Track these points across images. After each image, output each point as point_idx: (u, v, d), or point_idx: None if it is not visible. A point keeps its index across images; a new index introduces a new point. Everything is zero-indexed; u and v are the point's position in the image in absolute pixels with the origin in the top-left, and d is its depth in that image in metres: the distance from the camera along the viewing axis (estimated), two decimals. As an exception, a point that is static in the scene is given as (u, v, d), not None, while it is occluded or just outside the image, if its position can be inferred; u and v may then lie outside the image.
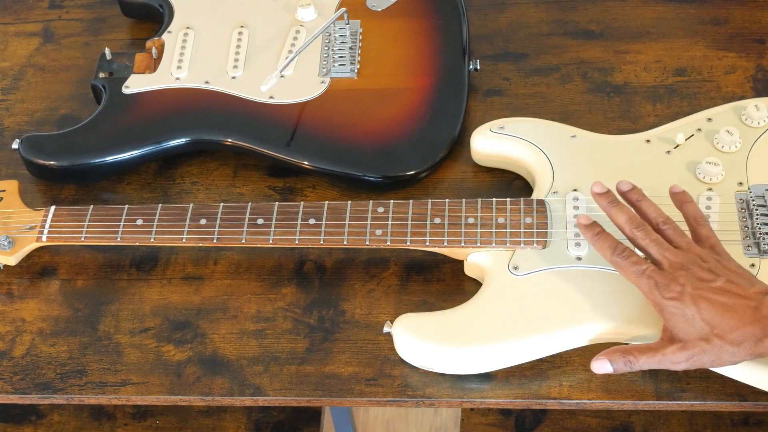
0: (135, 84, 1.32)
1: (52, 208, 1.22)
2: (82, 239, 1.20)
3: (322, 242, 1.17)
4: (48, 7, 1.50)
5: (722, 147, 1.19)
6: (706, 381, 1.09)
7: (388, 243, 1.16)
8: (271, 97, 1.30)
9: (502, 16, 1.43)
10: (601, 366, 1.03)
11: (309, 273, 1.21)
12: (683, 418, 1.38)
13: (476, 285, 1.16)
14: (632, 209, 1.09)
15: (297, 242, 1.17)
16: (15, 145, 1.28)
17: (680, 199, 1.10)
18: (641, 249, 1.06)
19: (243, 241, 1.18)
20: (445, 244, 1.15)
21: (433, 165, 1.25)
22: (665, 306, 1.01)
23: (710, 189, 1.17)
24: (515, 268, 1.13)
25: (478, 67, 1.33)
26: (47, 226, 1.20)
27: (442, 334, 1.09)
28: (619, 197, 1.10)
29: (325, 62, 1.33)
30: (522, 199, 1.17)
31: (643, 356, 1.02)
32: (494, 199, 1.17)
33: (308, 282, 1.20)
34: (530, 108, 1.33)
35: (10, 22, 1.49)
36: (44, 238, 1.20)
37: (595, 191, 1.09)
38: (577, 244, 1.13)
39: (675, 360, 1.01)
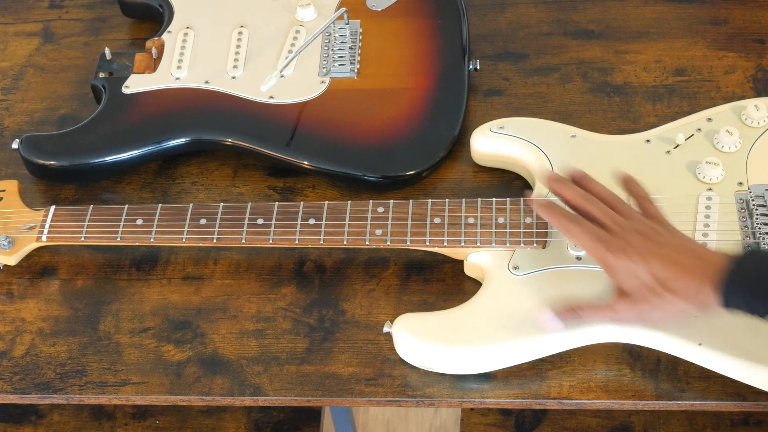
0: (135, 84, 1.32)
1: (52, 208, 1.22)
2: (82, 239, 1.20)
3: (322, 242, 1.17)
4: (48, 7, 1.50)
5: (722, 147, 1.19)
6: (706, 381, 1.09)
7: (388, 243, 1.16)
8: (271, 97, 1.30)
9: (502, 16, 1.43)
10: (551, 322, 1.06)
11: (309, 273, 1.21)
12: (683, 418, 1.38)
13: (476, 285, 1.16)
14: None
15: (297, 242, 1.17)
16: (15, 145, 1.28)
17: (626, 179, 1.11)
18: (591, 217, 1.07)
19: (243, 241, 1.18)
20: (445, 244, 1.15)
21: (433, 165, 1.25)
22: (613, 264, 1.03)
23: (710, 189, 1.17)
24: (515, 268, 1.13)
25: (478, 67, 1.33)
26: (47, 226, 1.20)
27: (442, 334, 1.09)
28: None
29: (325, 62, 1.33)
30: (522, 199, 1.17)
31: (592, 310, 1.05)
32: (494, 199, 1.17)
33: (308, 282, 1.20)
34: (530, 108, 1.33)
35: (10, 22, 1.49)
36: (44, 238, 1.20)
37: (547, 176, 1.11)
38: (577, 244, 1.13)
39: (623, 313, 1.03)
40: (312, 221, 1.18)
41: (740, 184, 1.17)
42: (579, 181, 1.11)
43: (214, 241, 1.18)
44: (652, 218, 1.07)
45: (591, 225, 1.06)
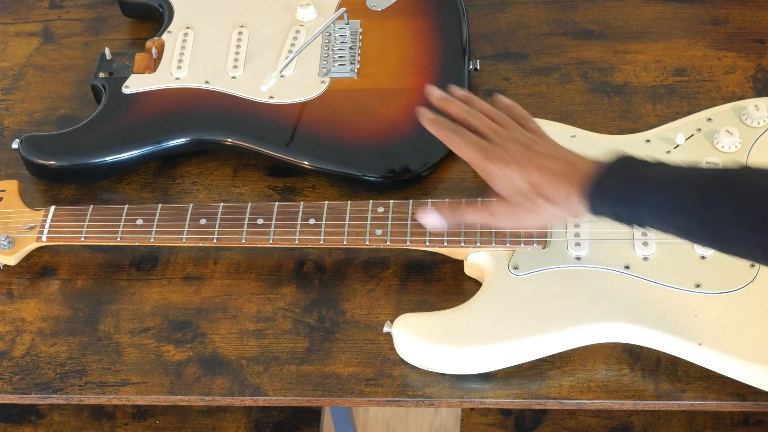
0: (135, 84, 1.32)
1: (52, 208, 1.22)
2: (82, 239, 1.20)
3: (322, 242, 1.17)
4: (48, 7, 1.50)
5: (722, 147, 1.19)
6: (706, 381, 1.09)
7: (388, 243, 1.16)
8: (271, 97, 1.30)
9: (502, 16, 1.43)
10: (430, 219, 1.11)
11: (309, 273, 1.21)
12: (683, 418, 1.38)
13: (476, 285, 1.16)
14: None
15: (297, 242, 1.17)
16: (15, 145, 1.28)
17: (504, 103, 1.15)
18: (474, 130, 1.11)
19: (243, 241, 1.18)
20: (445, 244, 1.15)
21: (433, 165, 1.25)
22: (491, 170, 1.07)
23: (710, 189, 1.17)
24: (515, 268, 1.13)
25: (478, 67, 1.33)
26: (47, 226, 1.20)
27: (442, 334, 1.09)
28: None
29: (325, 62, 1.33)
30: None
31: (471, 209, 1.10)
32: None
33: (308, 282, 1.20)
34: (530, 108, 1.32)
35: (10, 22, 1.49)
36: (44, 238, 1.20)
37: (430, 93, 1.15)
38: (577, 244, 1.13)
39: (499, 215, 1.07)
40: (312, 221, 1.18)
41: (740, 184, 1.17)
42: (464, 99, 1.15)
43: (214, 241, 1.18)
44: (531, 131, 1.11)
45: (472, 136, 1.10)
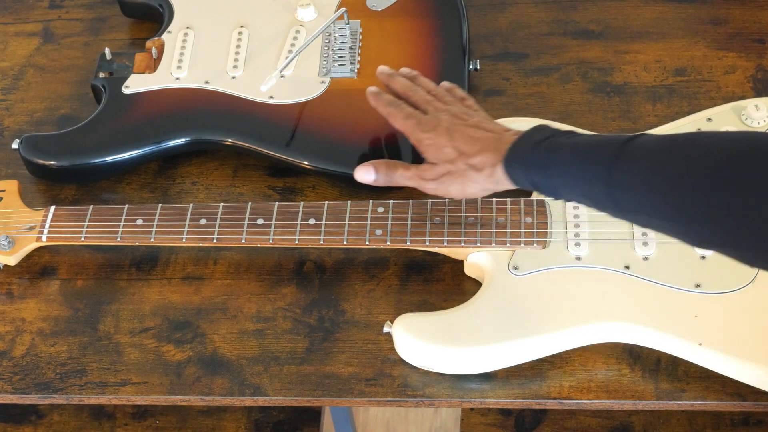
0: (135, 84, 1.32)
1: (52, 208, 1.22)
2: (82, 239, 1.20)
3: (322, 242, 1.17)
4: (48, 7, 1.50)
5: (722, 147, 1.19)
6: (706, 381, 1.09)
7: (388, 243, 1.16)
8: (271, 97, 1.30)
9: (502, 16, 1.43)
10: (365, 174, 1.15)
11: (309, 273, 1.21)
12: (683, 418, 1.38)
13: (476, 285, 1.16)
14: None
15: (297, 242, 1.17)
16: (15, 145, 1.28)
17: (446, 86, 1.19)
18: (413, 103, 1.17)
19: (243, 241, 1.18)
20: (445, 244, 1.15)
21: (433, 165, 1.25)
22: (422, 138, 1.11)
23: (710, 189, 1.17)
24: (515, 268, 1.13)
25: (478, 67, 1.33)
26: (47, 226, 1.20)
27: (442, 334, 1.09)
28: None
29: (325, 62, 1.33)
30: (522, 199, 1.17)
31: (402, 169, 1.14)
32: (494, 199, 1.17)
33: (308, 282, 1.20)
34: (530, 108, 1.33)
35: (10, 22, 1.49)
36: (44, 238, 1.20)
37: (379, 71, 1.22)
38: (577, 244, 1.13)
39: (427, 181, 1.11)
40: (312, 221, 1.18)
41: (740, 184, 1.17)
42: (407, 76, 1.21)
43: (214, 241, 1.18)
44: (468, 107, 1.15)
45: (409, 108, 1.15)
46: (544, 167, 1.01)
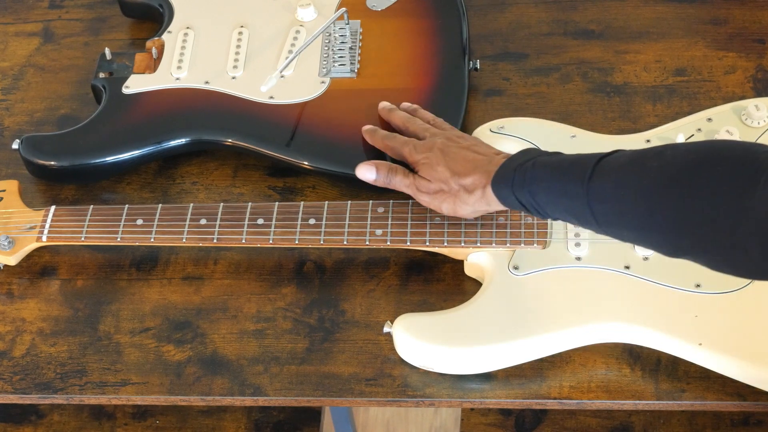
0: (135, 84, 1.32)
1: (52, 208, 1.22)
2: (82, 239, 1.20)
3: (322, 242, 1.17)
4: (48, 7, 1.50)
5: (722, 147, 1.19)
6: (706, 381, 1.09)
7: (388, 243, 1.16)
8: (271, 97, 1.30)
9: (502, 16, 1.43)
10: (366, 172, 1.19)
11: (309, 273, 1.21)
12: (683, 418, 1.38)
13: (476, 285, 1.16)
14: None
15: (297, 242, 1.17)
16: (15, 145, 1.28)
17: (436, 122, 1.22)
18: (411, 134, 1.21)
19: (243, 241, 1.18)
20: (445, 244, 1.15)
21: (433, 165, 1.25)
22: (418, 160, 1.16)
23: (710, 189, 1.17)
24: (515, 268, 1.13)
25: (478, 67, 1.33)
26: (47, 226, 1.20)
27: (442, 334, 1.09)
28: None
29: (325, 62, 1.33)
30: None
31: (401, 175, 1.17)
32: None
33: (308, 282, 1.20)
34: (530, 108, 1.33)
35: (10, 22, 1.49)
36: (44, 238, 1.20)
37: (381, 107, 1.26)
38: (577, 244, 1.13)
39: (421, 188, 1.15)
40: (312, 221, 1.18)
41: (740, 184, 1.17)
42: (407, 110, 1.25)
43: (214, 241, 1.18)
44: (463, 135, 1.19)
45: (404, 137, 1.20)
46: (528, 185, 1.04)
